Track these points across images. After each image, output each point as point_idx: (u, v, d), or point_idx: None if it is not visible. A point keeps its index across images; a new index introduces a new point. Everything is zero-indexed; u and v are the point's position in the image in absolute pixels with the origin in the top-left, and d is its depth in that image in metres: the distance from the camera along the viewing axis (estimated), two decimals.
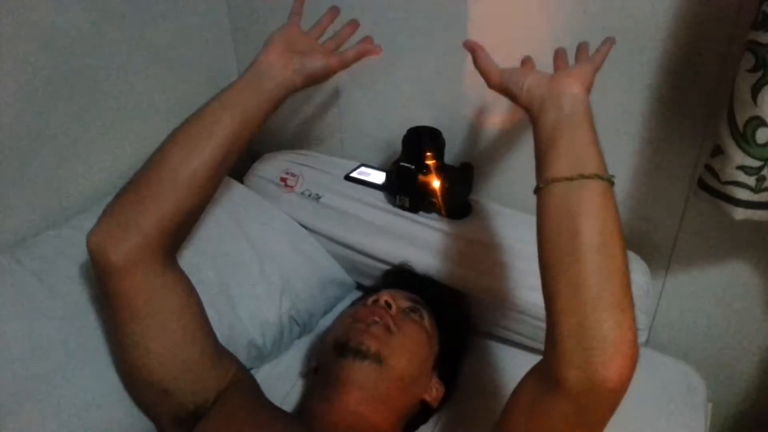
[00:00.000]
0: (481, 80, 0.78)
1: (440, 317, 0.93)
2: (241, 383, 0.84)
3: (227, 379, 0.82)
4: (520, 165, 1.07)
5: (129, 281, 0.74)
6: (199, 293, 0.83)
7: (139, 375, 0.77)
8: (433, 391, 0.88)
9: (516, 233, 1.00)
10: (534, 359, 0.68)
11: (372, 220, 1.06)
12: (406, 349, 0.85)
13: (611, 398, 0.58)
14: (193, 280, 0.82)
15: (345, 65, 0.86)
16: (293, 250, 1.06)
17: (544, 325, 0.83)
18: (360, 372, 0.81)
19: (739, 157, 0.76)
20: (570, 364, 0.58)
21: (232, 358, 0.87)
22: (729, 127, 0.76)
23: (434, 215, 1.05)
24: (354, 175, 1.11)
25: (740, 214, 0.80)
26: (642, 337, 1.00)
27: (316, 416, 0.80)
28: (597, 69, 0.75)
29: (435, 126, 1.03)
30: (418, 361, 0.86)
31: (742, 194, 0.79)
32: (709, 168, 0.81)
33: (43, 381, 0.77)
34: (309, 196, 1.10)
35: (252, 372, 0.94)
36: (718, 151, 0.79)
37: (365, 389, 0.82)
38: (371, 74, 1.10)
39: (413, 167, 1.01)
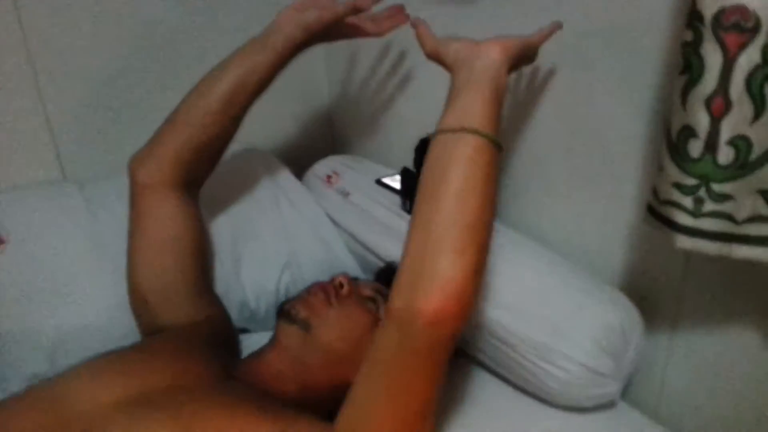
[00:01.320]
0: None
1: None
2: (212, 326, 0.95)
3: (202, 315, 0.95)
4: (537, 197, 1.04)
5: (147, 199, 0.93)
6: (212, 245, 0.98)
7: (130, 280, 0.94)
8: None
9: (507, 256, 0.97)
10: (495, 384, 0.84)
11: (384, 221, 1.11)
12: (340, 326, 0.88)
13: (429, 332, 0.61)
14: (209, 231, 0.98)
15: (336, 17, 0.93)
16: (312, 233, 1.16)
17: (506, 348, 0.89)
18: (286, 334, 0.88)
19: (673, 173, 0.68)
20: (399, 295, 0.63)
21: (217, 303, 1.00)
22: (665, 138, 0.68)
23: None
24: (383, 179, 1.18)
25: (681, 241, 0.70)
26: (610, 387, 0.88)
27: (244, 367, 0.88)
28: (528, 44, 0.77)
29: None
30: (351, 342, 0.88)
31: (682, 218, 0.69)
32: (653, 188, 0.72)
33: (70, 283, 0.98)
34: (341, 192, 1.20)
35: (249, 334, 1.06)
36: (659, 167, 0.70)
37: (289, 351, 0.87)
38: (418, 84, 1.18)
39: (416, 172, 1.05)
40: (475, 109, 0.67)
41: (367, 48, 1.27)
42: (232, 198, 1.15)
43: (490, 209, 0.66)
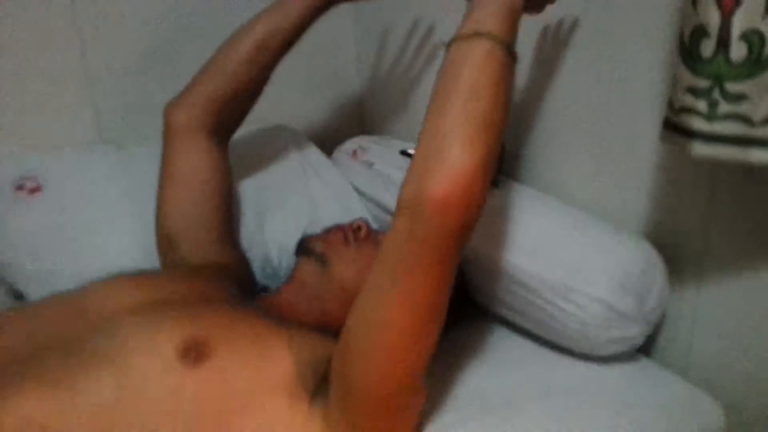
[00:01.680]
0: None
1: None
2: (232, 269, 0.97)
3: (224, 259, 0.97)
4: (559, 154, 1.05)
5: (178, 142, 0.97)
6: (238, 203, 1.02)
7: (158, 221, 0.98)
8: None
9: (525, 207, 0.97)
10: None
11: None
12: (356, 265, 0.89)
13: (437, 219, 0.62)
14: (238, 193, 1.03)
15: None
16: (336, 201, 1.19)
17: (525, 293, 0.89)
18: (304, 268, 0.90)
19: (686, 77, 0.68)
20: (409, 184, 0.64)
21: (239, 251, 1.02)
22: (678, 45, 0.69)
23: None
24: (407, 150, 1.20)
25: (698, 149, 0.69)
26: (631, 330, 0.86)
27: (260, 302, 0.89)
28: None
29: None
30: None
31: (697, 123, 0.68)
32: (668, 101, 0.72)
33: (98, 232, 1.02)
34: (366, 164, 1.23)
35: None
36: (673, 78, 0.71)
37: (305, 285, 0.89)
38: None
39: None
40: (488, 19, 0.69)
41: (396, 28, 1.31)
42: (260, 167, 1.18)
43: (501, 111, 0.66)
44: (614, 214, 0.96)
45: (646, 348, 0.95)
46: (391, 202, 1.10)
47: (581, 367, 0.90)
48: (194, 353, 0.68)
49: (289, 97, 1.37)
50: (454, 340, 0.94)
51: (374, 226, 1.04)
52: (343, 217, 1.16)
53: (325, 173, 1.24)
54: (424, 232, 0.63)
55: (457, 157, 0.62)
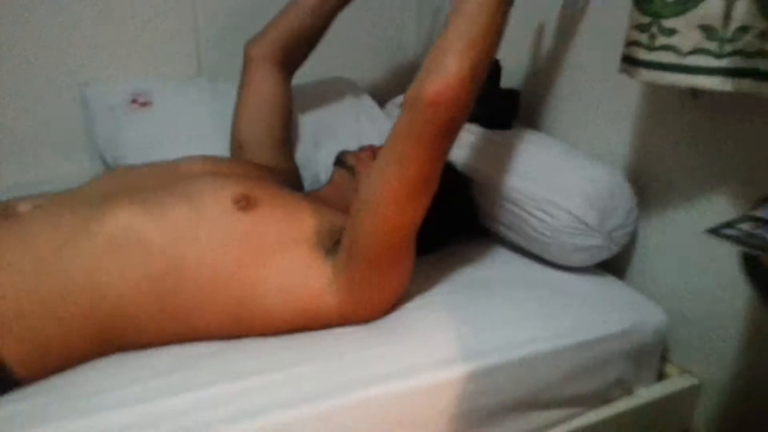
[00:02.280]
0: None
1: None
2: (285, 173, 1.22)
3: (280, 165, 1.22)
4: (562, 104, 1.23)
5: (253, 70, 1.22)
6: (298, 130, 1.28)
7: (233, 129, 1.23)
8: None
9: (526, 142, 1.16)
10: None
11: None
12: None
13: (430, 111, 0.82)
14: (300, 120, 1.29)
15: None
16: (380, 139, 1.41)
17: (512, 206, 1.08)
18: (339, 174, 1.13)
19: (635, 16, 0.85)
20: (414, 84, 0.84)
21: (292, 162, 1.27)
22: None
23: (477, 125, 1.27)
24: None
25: (641, 75, 0.86)
26: (594, 240, 1.03)
27: (311, 195, 1.13)
28: None
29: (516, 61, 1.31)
30: None
31: (641, 54, 0.86)
32: (625, 39, 0.89)
33: (191, 141, 1.30)
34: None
35: None
36: (629, 19, 0.88)
37: (339, 188, 1.12)
38: None
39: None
40: None
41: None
42: (321, 105, 1.43)
43: (491, 35, 0.85)
44: (602, 153, 1.13)
45: (619, 273, 1.12)
46: None
47: (551, 272, 1.08)
48: (244, 203, 0.92)
49: (354, 57, 1.62)
50: (456, 252, 1.14)
51: None
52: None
53: (375, 118, 1.47)
54: (419, 121, 0.83)
55: (448, 67, 0.82)
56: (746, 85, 0.77)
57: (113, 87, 1.35)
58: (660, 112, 1.04)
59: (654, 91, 1.03)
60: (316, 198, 1.10)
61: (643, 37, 0.85)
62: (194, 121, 1.35)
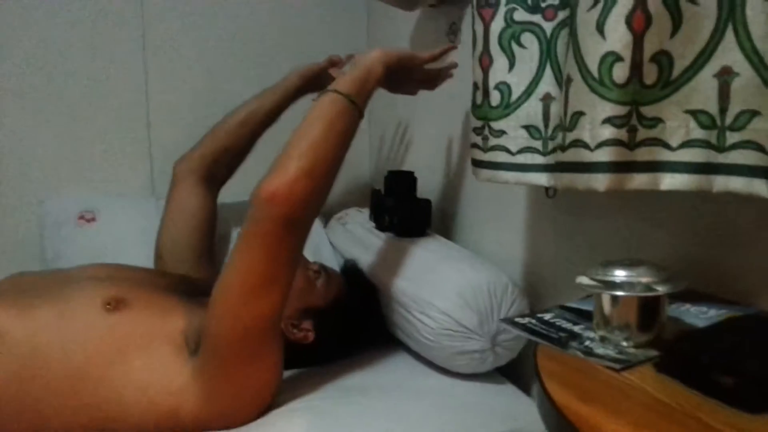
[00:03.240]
0: None
1: (348, 293, 1.16)
2: (198, 283, 1.27)
3: (196, 274, 1.27)
4: (470, 213, 1.25)
5: (179, 187, 1.33)
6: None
7: (157, 241, 1.31)
8: (300, 332, 1.11)
9: (424, 248, 1.17)
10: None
11: (358, 235, 1.38)
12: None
13: (267, 207, 0.87)
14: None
15: (320, 69, 1.31)
16: (313, 251, 1.45)
17: (400, 308, 1.10)
18: None
19: (471, 120, 0.90)
20: (258, 183, 0.90)
21: (212, 269, 1.32)
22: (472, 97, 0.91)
23: (392, 234, 1.30)
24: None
25: (481, 175, 0.89)
26: (476, 344, 1.01)
27: None
28: (411, 55, 1.07)
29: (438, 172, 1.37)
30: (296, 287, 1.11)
31: (478, 155, 0.89)
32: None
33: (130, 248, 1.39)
34: (342, 223, 1.50)
35: None
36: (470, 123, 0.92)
37: None
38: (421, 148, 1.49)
39: (381, 192, 1.32)
40: (343, 80, 0.97)
41: (389, 126, 1.63)
42: None
43: (332, 139, 0.91)
44: (500, 254, 1.14)
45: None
46: (345, 246, 1.37)
47: (445, 378, 1.04)
48: (114, 305, 0.96)
49: None
50: (363, 357, 1.13)
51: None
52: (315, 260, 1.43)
53: (314, 235, 1.51)
54: (257, 218, 0.88)
55: (287, 166, 0.89)
56: (566, 179, 0.78)
57: (64, 203, 1.47)
58: (535, 211, 1.05)
59: (529, 191, 1.05)
60: None
61: (479, 140, 0.88)
62: (137, 235, 1.43)
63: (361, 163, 1.79)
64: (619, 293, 0.62)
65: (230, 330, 0.90)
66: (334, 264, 1.42)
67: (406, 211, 1.27)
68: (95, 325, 0.95)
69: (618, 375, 0.58)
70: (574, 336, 0.66)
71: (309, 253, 1.42)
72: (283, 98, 1.33)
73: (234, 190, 1.39)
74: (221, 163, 1.34)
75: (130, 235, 1.43)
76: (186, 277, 1.23)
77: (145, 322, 0.97)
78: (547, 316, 0.70)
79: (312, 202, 0.91)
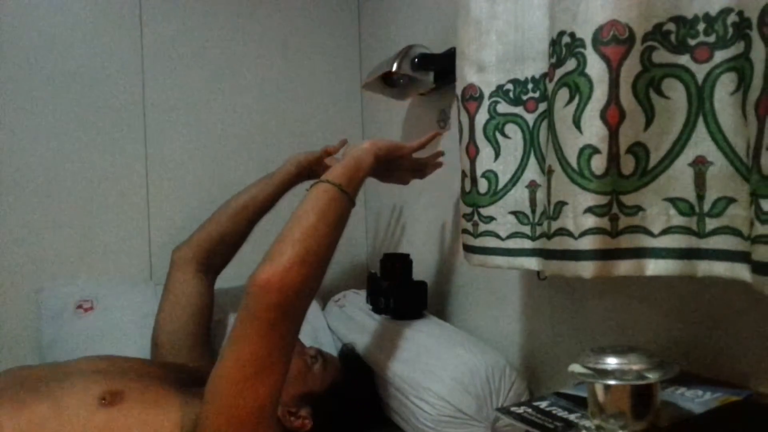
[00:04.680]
0: None
1: (345, 377, 1.16)
2: (195, 371, 1.26)
3: (192, 362, 1.27)
4: (466, 297, 1.26)
5: (176, 274, 1.34)
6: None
7: (154, 328, 1.31)
8: (297, 420, 1.10)
9: (422, 331, 1.18)
10: None
11: (356, 318, 1.38)
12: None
13: (260, 295, 0.88)
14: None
15: (316, 158, 1.34)
16: (312, 336, 1.45)
17: (397, 393, 1.10)
18: None
19: (462, 207, 0.92)
20: (254, 270, 0.91)
21: (207, 357, 1.31)
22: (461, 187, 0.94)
23: (388, 316, 1.30)
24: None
25: (473, 260, 0.90)
26: (475, 429, 0.99)
27: None
28: (398, 145, 1.10)
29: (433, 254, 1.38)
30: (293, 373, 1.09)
31: (469, 240, 0.90)
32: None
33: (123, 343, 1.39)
34: (339, 306, 1.50)
35: None
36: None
37: None
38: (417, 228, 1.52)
39: (378, 274, 1.33)
40: (335, 171, 1.00)
41: (384, 209, 1.66)
42: None
43: (324, 228, 0.93)
44: (497, 337, 1.14)
45: None
46: (342, 330, 1.37)
47: None
48: (109, 399, 0.96)
49: None
50: None
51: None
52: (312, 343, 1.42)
53: (313, 319, 1.52)
54: (252, 306, 0.89)
55: (281, 254, 0.90)
56: (553, 266, 0.80)
57: (62, 291, 1.47)
58: (529, 292, 1.06)
59: (522, 273, 1.06)
60: None
61: (469, 225, 0.90)
62: (135, 322, 1.43)
63: (358, 246, 1.81)
64: (611, 382, 0.62)
65: (226, 420, 0.89)
66: (332, 347, 1.42)
67: (402, 293, 1.28)
68: (91, 420, 0.94)
69: None
70: (570, 425, 0.65)
71: (307, 336, 1.43)
72: (280, 186, 1.37)
73: (230, 276, 1.40)
74: (218, 250, 1.36)
75: (128, 322, 1.43)
76: (182, 366, 1.22)
77: (140, 415, 0.96)
78: (542, 404, 0.70)
79: (305, 290, 0.92)
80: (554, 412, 0.68)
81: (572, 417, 0.67)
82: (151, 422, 0.95)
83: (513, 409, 0.69)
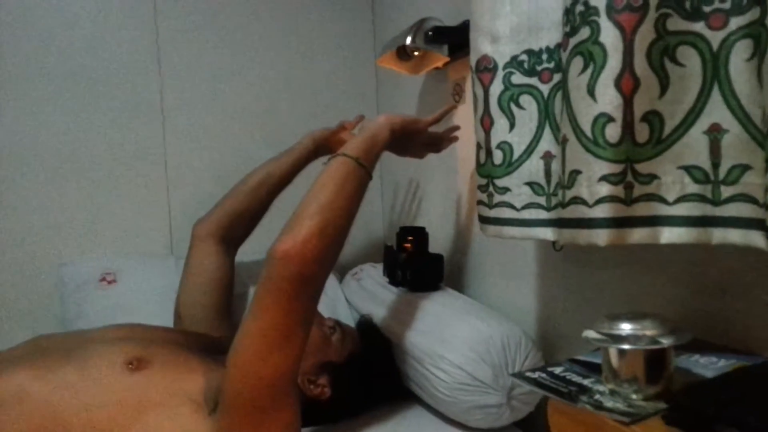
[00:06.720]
0: None
1: (363, 348, 1.18)
2: (218, 341, 1.29)
3: (213, 333, 1.30)
4: (482, 269, 1.27)
5: (198, 248, 1.37)
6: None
7: (176, 301, 1.34)
8: (317, 388, 1.12)
9: (438, 302, 1.19)
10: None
11: (372, 290, 1.40)
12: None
13: (280, 265, 0.89)
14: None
15: (332, 132, 1.37)
16: (330, 308, 1.47)
17: (414, 363, 1.12)
18: None
19: (477, 178, 0.93)
20: (273, 243, 0.92)
21: (228, 328, 1.34)
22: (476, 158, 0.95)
23: (405, 289, 1.32)
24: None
25: (488, 230, 0.91)
26: (491, 398, 1.01)
27: None
28: (413, 120, 1.10)
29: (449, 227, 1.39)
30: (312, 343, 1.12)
31: (484, 211, 0.91)
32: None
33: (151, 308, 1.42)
34: (356, 279, 1.52)
35: None
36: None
37: None
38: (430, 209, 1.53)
39: (394, 247, 1.35)
40: (351, 145, 1.02)
41: (402, 183, 1.67)
42: None
43: (341, 200, 0.95)
44: (513, 308, 1.15)
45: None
46: (359, 302, 1.39)
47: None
48: (135, 364, 0.99)
49: None
50: (376, 414, 1.14)
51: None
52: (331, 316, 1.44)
53: (330, 290, 1.54)
54: (271, 276, 0.91)
55: (299, 226, 0.91)
56: (567, 234, 0.80)
57: (85, 266, 1.51)
58: (544, 263, 1.07)
59: (537, 244, 1.07)
60: None
61: (484, 197, 0.91)
62: (157, 295, 1.46)
63: (374, 220, 1.83)
64: (625, 346, 0.63)
65: (248, 387, 0.91)
66: (350, 319, 1.44)
67: (419, 266, 1.30)
68: (117, 384, 0.97)
69: (628, 429, 0.59)
70: (584, 389, 0.67)
71: (325, 308, 1.45)
72: (298, 160, 1.38)
73: (250, 249, 1.43)
74: (238, 225, 1.38)
75: (151, 295, 1.46)
76: (205, 336, 1.25)
77: (165, 381, 0.99)
78: (557, 370, 0.71)
79: (324, 260, 0.93)
80: (568, 377, 0.69)
81: (586, 382, 0.68)
82: (175, 388, 0.98)
83: (528, 374, 0.71)
